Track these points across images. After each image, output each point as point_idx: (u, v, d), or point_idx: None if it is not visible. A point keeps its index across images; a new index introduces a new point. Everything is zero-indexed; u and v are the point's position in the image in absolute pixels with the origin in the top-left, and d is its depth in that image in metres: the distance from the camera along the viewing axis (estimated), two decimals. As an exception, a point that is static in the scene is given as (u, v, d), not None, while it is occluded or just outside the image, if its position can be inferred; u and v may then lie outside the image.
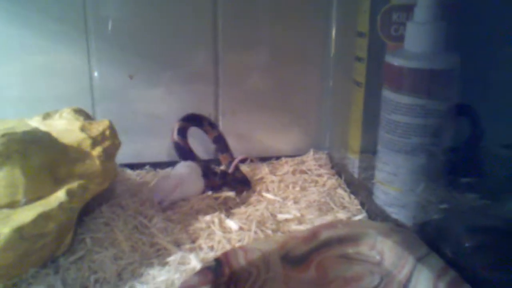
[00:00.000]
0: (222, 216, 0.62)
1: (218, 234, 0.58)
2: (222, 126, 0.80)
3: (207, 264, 0.47)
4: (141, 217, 0.62)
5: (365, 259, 0.51)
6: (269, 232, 0.59)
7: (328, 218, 0.63)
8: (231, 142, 0.78)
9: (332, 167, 0.79)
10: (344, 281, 0.50)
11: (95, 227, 0.59)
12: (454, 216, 0.56)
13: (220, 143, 0.78)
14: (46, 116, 0.66)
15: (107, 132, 0.65)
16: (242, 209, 0.65)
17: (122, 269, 0.52)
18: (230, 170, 0.73)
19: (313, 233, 0.52)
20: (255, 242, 0.54)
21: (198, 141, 0.78)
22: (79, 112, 0.67)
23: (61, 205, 0.52)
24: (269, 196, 0.69)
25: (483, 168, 0.67)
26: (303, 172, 0.78)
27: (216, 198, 0.67)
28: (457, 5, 0.61)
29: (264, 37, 0.79)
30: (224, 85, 0.80)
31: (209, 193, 0.68)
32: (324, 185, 0.73)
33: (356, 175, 0.72)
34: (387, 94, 0.59)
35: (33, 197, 0.53)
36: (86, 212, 0.61)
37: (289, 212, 0.64)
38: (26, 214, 0.50)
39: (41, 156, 0.55)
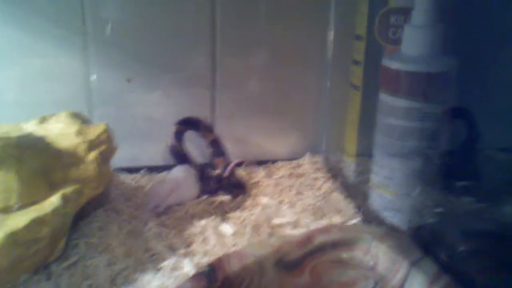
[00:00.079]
0: (217, 220, 0.62)
1: (213, 238, 0.58)
2: (218, 129, 0.80)
3: (201, 269, 0.47)
4: (135, 222, 0.61)
5: (359, 263, 0.51)
6: (264, 236, 0.59)
7: (324, 222, 0.63)
8: (227, 146, 0.78)
9: (328, 171, 0.79)
10: (339, 286, 0.49)
11: (89, 232, 0.59)
12: (450, 220, 0.56)
13: (216, 146, 0.77)
14: (43, 120, 0.66)
15: (103, 136, 0.64)
16: (238, 213, 0.65)
17: (116, 275, 0.52)
18: (226, 174, 0.72)
19: (308, 238, 0.52)
20: (249, 247, 0.54)
21: (194, 144, 0.78)
22: (75, 116, 0.67)
23: (55, 210, 0.52)
24: (264, 200, 0.69)
25: (479, 171, 0.67)
26: (299, 175, 0.77)
27: (212, 202, 0.67)
28: (454, 8, 0.61)
29: (261, 40, 0.79)
30: (221, 89, 0.79)
31: (205, 197, 0.67)
32: (320, 188, 0.73)
33: (352, 179, 0.72)
34: (384, 97, 0.58)
35: (27, 202, 0.52)
36: (80, 217, 0.60)
37: (285, 216, 0.64)
38: (19, 219, 0.50)
39: (35, 161, 0.55)
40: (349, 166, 0.72)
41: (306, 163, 0.81)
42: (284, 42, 0.79)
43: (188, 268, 0.52)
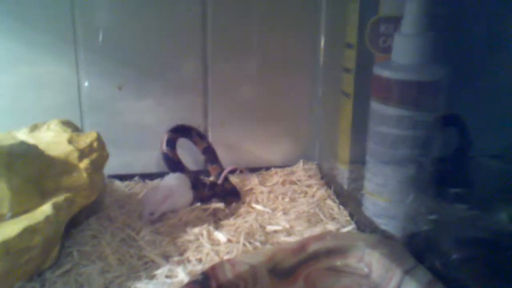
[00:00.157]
0: (211, 228, 0.62)
1: (207, 246, 0.58)
2: (211, 136, 0.80)
3: (194, 277, 0.47)
4: (129, 230, 0.61)
5: (353, 271, 0.51)
6: (258, 244, 0.59)
7: (317, 229, 0.63)
8: (221, 153, 0.78)
9: (322, 178, 0.79)
10: (333, 294, 0.50)
11: (82, 240, 0.59)
12: (443, 227, 0.56)
13: (209, 154, 0.77)
14: (34, 128, 0.66)
15: (95, 144, 0.64)
16: (231, 220, 0.65)
17: (109, 283, 0.52)
18: (219, 181, 0.72)
19: (301, 246, 0.52)
20: (243, 255, 0.54)
21: (187, 152, 0.78)
22: (67, 124, 0.67)
23: (47, 219, 0.52)
24: (258, 207, 0.69)
25: (471, 178, 0.67)
26: (292, 182, 0.77)
27: (205, 210, 0.67)
28: (445, 16, 0.61)
29: (253, 47, 0.79)
30: (213, 96, 0.80)
31: (198, 204, 0.67)
32: (313, 196, 0.73)
33: (345, 186, 0.72)
34: (375, 105, 0.59)
35: (19, 210, 0.52)
36: (73, 225, 0.60)
37: (278, 224, 0.64)
38: (11, 228, 0.49)
39: (27, 170, 0.55)
40: (343, 173, 0.72)
41: (300, 170, 0.81)
42: (275, 49, 0.79)
43: (181, 276, 0.52)
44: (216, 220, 0.65)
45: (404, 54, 0.57)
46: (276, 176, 0.79)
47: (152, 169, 0.79)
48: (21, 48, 0.73)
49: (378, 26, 0.63)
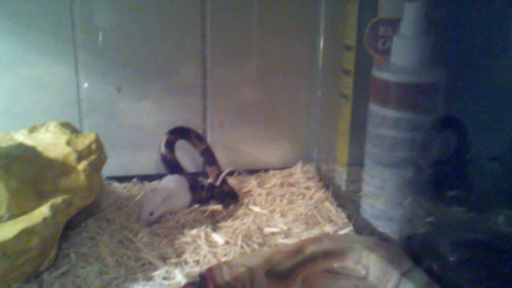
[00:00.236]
0: (209, 230, 0.62)
1: (204, 248, 0.58)
2: (210, 138, 0.80)
3: (191, 279, 0.47)
4: (126, 231, 0.61)
5: (351, 273, 0.51)
6: (255, 246, 0.59)
7: (315, 231, 0.63)
8: (219, 155, 0.78)
9: (320, 180, 0.79)
10: (330, 296, 0.50)
11: (80, 242, 0.59)
12: (441, 230, 0.56)
13: (208, 156, 0.77)
14: (32, 129, 0.66)
15: (93, 146, 0.64)
16: (229, 222, 0.65)
17: (107, 284, 0.52)
18: (218, 183, 0.72)
19: (299, 248, 0.52)
20: (240, 257, 0.54)
21: (186, 153, 0.78)
22: (65, 125, 0.67)
23: (44, 220, 0.52)
24: (256, 209, 0.69)
25: (469, 181, 0.67)
26: (290, 184, 0.77)
27: (203, 211, 0.67)
28: (444, 18, 0.61)
29: (252, 49, 0.79)
30: (212, 98, 0.80)
31: (196, 206, 0.67)
32: (311, 198, 0.73)
33: (343, 188, 0.72)
34: (374, 107, 0.59)
35: (16, 212, 0.52)
36: (71, 226, 0.60)
37: (276, 226, 0.64)
38: (9, 230, 0.49)
39: (25, 171, 0.55)
40: (341, 175, 0.72)
41: (298, 172, 0.81)
42: (274, 51, 0.79)
43: (179, 277, 0.52)
44: (214, 222, 0.65)
45: (403, 56, 0.57)
46: (274, 178, 0.79)
47: (151, 170, 0.79)
48: (20, 49, 0.73)
49: (377, 28, 0.63)
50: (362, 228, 0.63)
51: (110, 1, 0.74)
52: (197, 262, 0.56)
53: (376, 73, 0.58)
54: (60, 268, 0.54)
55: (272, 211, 0.68)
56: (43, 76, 0.75)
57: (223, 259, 0.56)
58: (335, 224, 0.65)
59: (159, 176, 0.74)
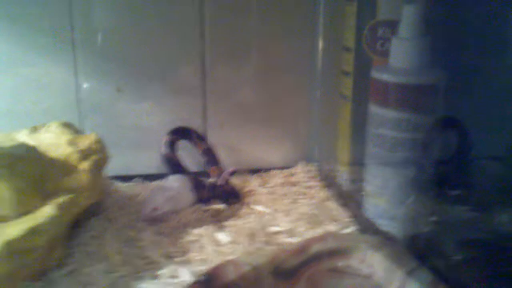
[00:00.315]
0: (213, 229, 0.62)
1: (209, 247, 0.58)
2: (210, 138, 0.80)
3: (197, 278, 0.47)
4: (131, 230, 0.61)
5: (355, 272, 0.51)
6: (260, 245, 0.59)
7: (319, 230, 0.63)
8: (220, 155, 0.78)
9: (322, 179, 0.79)
10: (335, 295, 0.50)
11: (85, 241, 0.59)
12: (444, 229, 0.56)
13: (210, 155, 0.77)
14: (34, 130, 0.66)
15: (95, 146, 0.65)
16: (233, 221, 0.65)
17: (113, 283, 0.52)
18: (220, 182, 0.72)
19: (303, 247, 0.52)
20: (245, 256, 0.54)
21: (188, 153, 0.78)
22: (66, 126, 0.67)
23: (50, 219, 0.52)
24: (259, 208, 0.69)
25: (472, 180, 0.67)
26: (293, 184, 0.77)
27: (206, 211, 0.67)
28: (444, 19, 0.62)
29: (251, 50, 0.79)
30: (211, 98, 0.80)
31: (199, 205, 0.67)
32: (314, 197, 0.73)
33: (345, 187, 0.72)
34: (374, 108, 0.59)
35: (20, 211, 0.52)
36: (75, 226, 0.60)
37: (280, 225, 0.64)
38: (15, 229, 0.49)
39: (28, 171, 0.55)
40: (343, 174, 0.72)
41: (300, 172, 0.81)
42: (273, 52, 0.80)
43: (185, 276, 0.52)
44: (217, 221, 0.65)
45: (401, 57, 0.57)
46: (276, 178, 0.79)
47: (153, 170, 0.79)
48: (20, 49, 0.73)
49: (376, 30, 0.63)
50: (365, 227, 0.63)
51: (109, 2, 0.74)
52: (202, 261, 0.56)
53: (375, 74, 0.59)
54: (67, 267, 0.54)
55: (275, 211, 0.68)
56: (43, 77, 0.75)
57: (228, 258, 0.56)
58: (338, 224, 0.65)
59: (161, 176, 0.74)
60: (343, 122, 0.71)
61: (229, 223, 0.65)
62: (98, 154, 0.64)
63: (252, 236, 0.61)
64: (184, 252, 0.57)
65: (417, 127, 0.56)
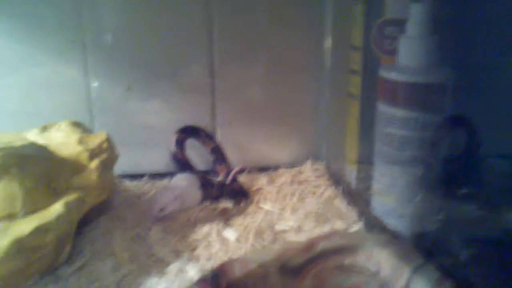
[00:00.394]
0: (220, 226, 0.62)
1: (217, 244, 0.59)
2: (219, 137, 0.81)
3: (204, 275, 0.47)
4: (139, 228, 0.62)
5: (362, 270, 0.51)
6: (266, 243, 0.59)
7: (326, 228, 0.63)
8: (228, 153, 0.79)
9: (330, 178, 0.79)
10: (342, 292, 0.50)
11: (93, 238, 0.59)
12: (452, 227, 0.56)
13: (218, 154, 0.78)
14: (44, 129, 0.66)
15: (105, 145, 0.65)
16: (240, 219, 0.66)
17: (121, 280, 0.52)
18: (228, 181, 0.73)
19: (310, 244, 0.52)
20: (252, 253, 0.54)
21: (196, 152, 0.79)
22: (76, 125, 0.68)
23: (59, 217, 0.53)
24: (266, 206, 0.69)
25: (480, 179, 0.67)
26: (300, 182, 0.78)
27: (214, 209, 0.67)
28: (452, 17, 0.61)
29: (259, 49, 0.79)
30: (220, 96, 0.80)
31: (207, 204, 0.68)
32: (321, 195, 0.73)
33: (353, 186, 0.72)
34: (382, 107, 0.59)
35: (31, 209, 0.53)
36: (84, 224, 0.61)
37: (287, 223, 0.64)
38: (24, 227, 0.50)
39: (38, 169, 0.55)
40: (351, 173, 0.72)
41: (308, 170, 0.81)
42: (282, 50, 0.80)
43: (192, 272, 0.53)
44: (225, 219, 0.66)
45: (409, 56, 0.57)
46: (284, 176, 0.79)
47: (161, 169, 0.79)
48: (31, 50, 0.74)
49: (384, 29, 0.63)
50: (373, 225, 0.63)
51: (119, 2, 0.74)
52: (209, 259, 0.56)
53: (383, 73, 0.58)
54: (75, 264, 0.54)
55: (282, 209, 0.69)
56: (54, 76, 0.75)
57: (235, 255, 0.56)
58: (345, 222, 0.65)
59: (170, 175, 0.74)
60: (351, 120, 0.71)
61: (237, 221, 0.65)
62: (107, 153, 0.65)
63: (259, 234, 0.61)
64: (192, 250, 0.58)
65: (425, 126, 0.56)
